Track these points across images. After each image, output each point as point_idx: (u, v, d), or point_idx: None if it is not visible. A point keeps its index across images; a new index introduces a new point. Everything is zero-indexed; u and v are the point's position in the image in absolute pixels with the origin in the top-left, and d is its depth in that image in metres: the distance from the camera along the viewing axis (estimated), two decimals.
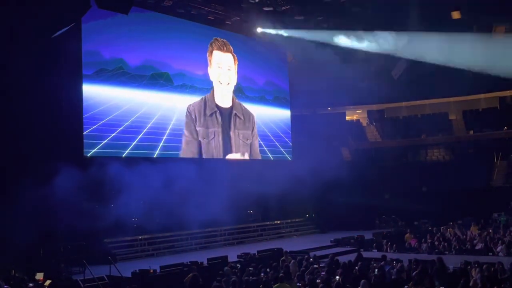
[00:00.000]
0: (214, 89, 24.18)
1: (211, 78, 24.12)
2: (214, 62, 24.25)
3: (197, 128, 23.10)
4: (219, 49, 24.45)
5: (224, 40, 24.69)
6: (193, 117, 23.02)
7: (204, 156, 23.15)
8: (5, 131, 16.49)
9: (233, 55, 25.13)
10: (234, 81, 25.26)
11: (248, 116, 25.84)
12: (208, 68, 24.04)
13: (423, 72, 27.66)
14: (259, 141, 26.15)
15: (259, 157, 26.09)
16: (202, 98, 23.60)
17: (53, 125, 17.68)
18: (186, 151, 22.55)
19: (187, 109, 22.85)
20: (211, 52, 24.15)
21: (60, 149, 17.57)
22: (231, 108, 25.02)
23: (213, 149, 23.81)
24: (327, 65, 24.99)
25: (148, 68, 21.38)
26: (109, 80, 19.95)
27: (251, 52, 26.00)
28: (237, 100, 25.34)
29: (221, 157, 24.03)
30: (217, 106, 24.24)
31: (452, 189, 27.22)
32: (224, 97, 24.74)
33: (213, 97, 24.13)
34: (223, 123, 24.42)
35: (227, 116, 24.71)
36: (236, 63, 25.23)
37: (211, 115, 23.88)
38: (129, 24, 20.33)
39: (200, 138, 23.14)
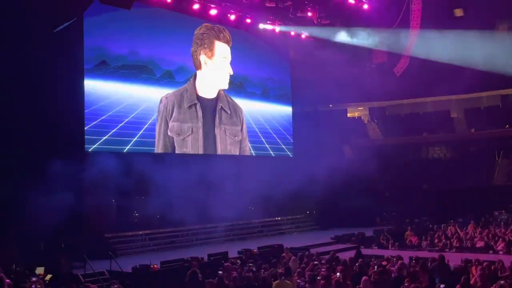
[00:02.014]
0: (197, 78, 22.79)
1: (196, 67, 22.83)
2: (217, 52, 23.05)
3: (170, 124, 21.70)
4: (217, 37, 23.10)
5: (219, 26, 23.31)
6: (168, 109, 21.56)
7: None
8: (5, 125, 16.50)
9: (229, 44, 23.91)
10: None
11: (235, 110, 24.61)
12: (202, 54, 22.76)
13: (425, 69, 27.69)
14: (259, 138, 26.03)
15: (248, 154, 25.20)
16: (179, 89, 22.24)
17: (53, 120, 17.68)
18: (157, 148, 21.30)
19: (160, 101, 21.42)
20: (212, 42, 22.93)
21: (60, 144, 17.59)
22: (216, 100, 23.62)
23: (190, 147, 22.27)
24: (329, 62, 24.94)
25: (150, 63, 21.33)
26: (111, 75, 19.93)
27: (253, 48, 25.83)
28: (222, 92, 24.02)
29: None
30: (198, 97, 22.76)
31: (453, 187, 27.21)
32: (208, 87, 23.27)
33: (194, 87, 22.71)
34: (205, 118, 22.93)
35: (210, 109, 23.14)
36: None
37: (189, 107, 22.36)
38: (131, 19, 20.31)
39: (172, 134, 21.72)
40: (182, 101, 22.25)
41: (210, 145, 23.25)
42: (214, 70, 23.32)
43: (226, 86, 23.84)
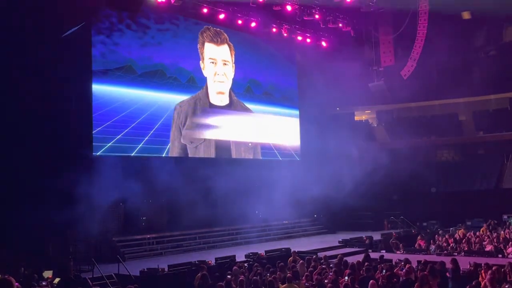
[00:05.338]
0: (208, 86, 23.14)
1: (205, 74, 23.03)
2: (207, 57, 23.05)
3: (183, 132, 21.92)
4: (212, 41, 23.24)
5: (217, 29, 23.46)
6: (181, 117, 21.80)
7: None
8: (13, 129, 16.59)
9: (229, 45, 23.94)
10: (231, 76, 24.10)
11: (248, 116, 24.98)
12: (200, 62, 22.96)
13: (432, 72, 27.59)
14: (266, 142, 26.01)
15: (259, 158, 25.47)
16: (192, 96, 22.43)
17: (61, 124, 17.76)
18: (171, 154, 21.33)
19: (174, 109, 21.73)
20: (203, 44, 22.94)
21: (68, 148, 17.67)
22: (229, 107, 23.98)
23: (202, 155, 22.44)
24: (336, 65, 24.91)
25: (158, 67, 21.39)
26: (118, 79, 20.00)
27: (260, 52, 25.86)
28: (235, 98, 24.38)
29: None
30: (211, 105, 23.13)
31: (461, 190, 27.04)
32: (220, 95, 23.59)
33: (207, 95, 23.07)
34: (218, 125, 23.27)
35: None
36: (233, 53, 24.13)
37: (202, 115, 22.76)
38: (139, 24, 20.39)
39: (185, 142, 21.96)
40: (196, 109, 22.47)
41: (223, 152, 23.45)
42: (209, 75, 23.36)
43: (224, 91, 23.76)
